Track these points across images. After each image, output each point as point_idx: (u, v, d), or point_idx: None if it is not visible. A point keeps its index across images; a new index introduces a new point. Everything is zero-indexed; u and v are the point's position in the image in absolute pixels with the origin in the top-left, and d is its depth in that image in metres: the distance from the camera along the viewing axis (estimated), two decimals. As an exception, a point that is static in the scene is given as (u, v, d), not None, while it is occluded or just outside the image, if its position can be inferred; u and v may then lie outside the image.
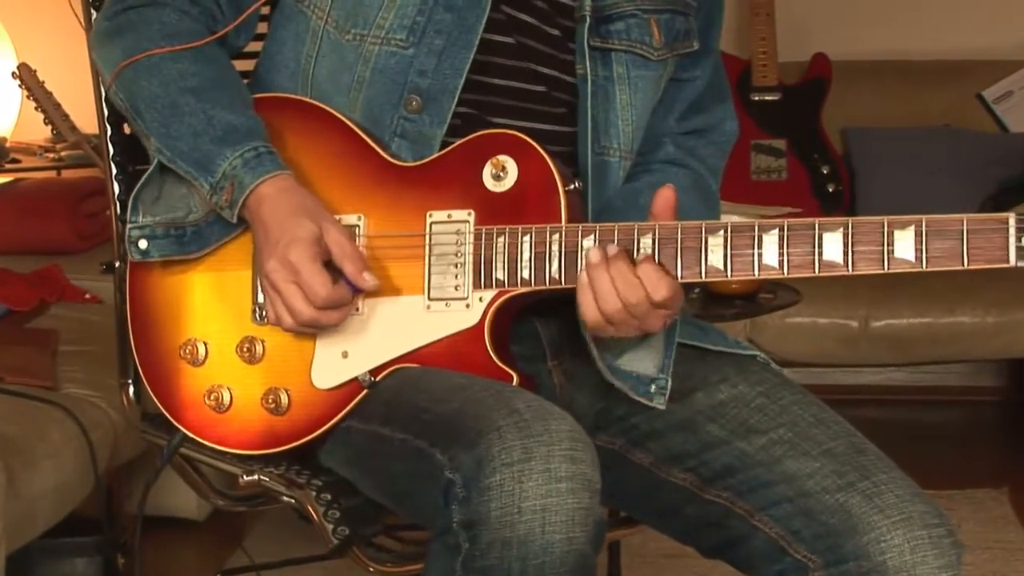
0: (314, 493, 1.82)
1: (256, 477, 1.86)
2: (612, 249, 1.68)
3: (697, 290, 3.17)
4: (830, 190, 4.50)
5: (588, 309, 1.69)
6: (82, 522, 2.99)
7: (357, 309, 1.78)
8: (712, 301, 3.20)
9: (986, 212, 4.10)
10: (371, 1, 1.83)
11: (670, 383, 1.82)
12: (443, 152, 1.80)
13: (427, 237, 1.77)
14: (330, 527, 1.80)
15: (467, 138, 1.79)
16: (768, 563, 1.73)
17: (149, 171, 1.86)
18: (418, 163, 1.81)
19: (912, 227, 1.59)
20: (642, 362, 1.82)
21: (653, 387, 1.82)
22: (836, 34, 4.76)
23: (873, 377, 4.78)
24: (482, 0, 1.82)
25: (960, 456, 4.27)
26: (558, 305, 1.78)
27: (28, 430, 2.74)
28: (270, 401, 1.82)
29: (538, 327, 1.89)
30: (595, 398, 1.88)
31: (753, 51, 4.59)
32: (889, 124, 4.61)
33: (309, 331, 1.77)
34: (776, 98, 4.58)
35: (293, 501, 1.84)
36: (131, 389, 2.16)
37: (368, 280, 1.74)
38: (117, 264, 2.14)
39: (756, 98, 4.58)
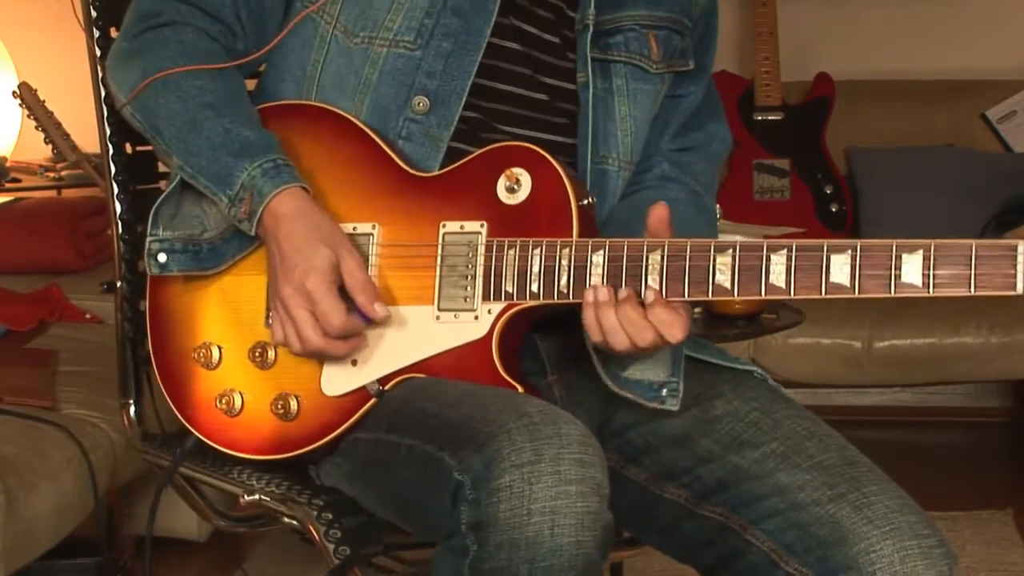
0: (315, 513, 1.81)
1: (257, 497, 1.86)
2: (623, 293, 1.68)
3: (699, 309, 3.16)
4: (833, 210, 4.50)
5: (593, 330, 1.70)
6: (81, 543, 2.98)
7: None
8: (715, 321, 3.19)
9: (990, 231, 4.10)
10: (380, 5, 1.85)
11: (682, 386, 1.82)
12: (459, 163, 1.81)
13: (439, 247, 1.78)
14: (331, 547, 1.79)
15: (483, 149, 1.80)
16: None
17: (170, 187, 1.88)
18: (434, 173, 1.82)
19: (920, 251, 1.57)
20: (652, 370, 1.82)
21: (664, 391, 1.82)
22: (839, 53, 4.76)
23: (877, 398, 4.78)
24: (489, 6, 1.84)
25: (965, 477, 4.26)
26: (558, 320, 1.79)
27: (28, 451, 2.73)
28: (279, 407, 1.83)
29: (538, 342, 1.89)
30: (594, 413, 1.88)
31: (756, 71, 4.60)
32: (893, 143, 4.61)
33: (316, 358, 1.78)
34: (779, 118, 4.58)
35: (294, 521, 1.84)
36: (131, 409, 2.15)
37: (379, 311, 1.75)
38: (118, 284, 2.14)
39: (759, 118, 4.58)
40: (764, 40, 4.60)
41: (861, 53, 4.79)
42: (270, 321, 1.83)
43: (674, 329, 1.67)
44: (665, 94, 1.98)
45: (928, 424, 4.75)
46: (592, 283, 1.70)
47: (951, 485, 4.10)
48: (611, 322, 1.68)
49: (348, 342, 1.76)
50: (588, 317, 1.70)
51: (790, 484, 1.72)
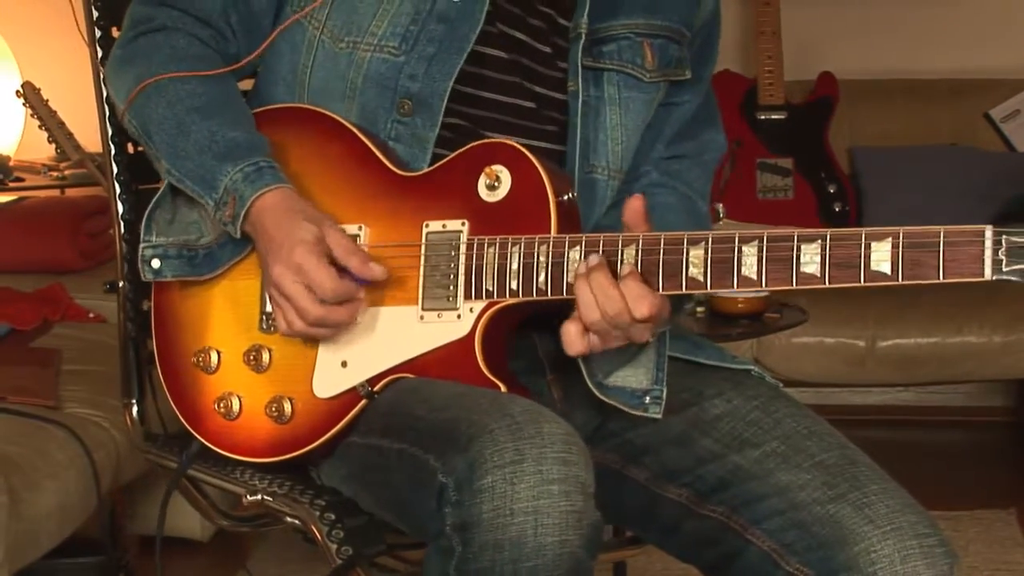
0: (317, 513, 1.82)
1: (260, 497, 1.86)
2: (593, 260, 1.68)
3: (702, 308, 3.16)
4: (837, 209, 4.50)
5: (571, 339, 1.70)
6: (84, 543, 2.98)
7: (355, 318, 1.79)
8: (718, 320, 3.19)
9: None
10: (365, 10, 1.86)
11: (665, 392, 1.82)
12: (441, 162, 1.81)
13: (422, 247, 1.78)
14: (334, 547, 1.79)
15: (464, 148, 1.80)
16: None
17: (160, 192, 1.89)
18: (417, 173, 1.82)
19: (889, 239, 1.57)
20: (634, 377, 1.82)
21: (647, 398, 1.82)
22: (842, 53, 4.76)
23: (880, 397, 4.78)
24: (476, 13, 1.85)
25: (967, 477, 4.25)
26: (556, 320, 1.78)
27: (31, 450, 2.73)
28: (273, 410, 1.83)
29: (536, 341, 1.89)
30: (592, 413, 1.88)
31: (759, 70, 4.59)
32: (896, 143, 4.61)
33: (321, 332, 1.77)
34: (782, 117, 4.58)
35: (297, 521, 1.84)
36: (134, 409, 2.15)
37: (375, 268, 1.75)
38: (121, 284, 2.14)
39: (762, 117, 4.58)
40: (767, 39, 4.59)
41: (864, 52, 4.79)
42: (269, 320, 1.83)
43: (641, 304, 1.66)
44: (659, 102, 1.97)
45: (931, 424, 4.75)
46: (567, 280, 1.70)
47: (954, 485, 4.09)
48: (585, 296, 1.67)
49: (346, 307, 1.75)
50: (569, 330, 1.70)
51: (790, 483, 1.71)
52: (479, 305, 1.75)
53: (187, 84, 1.85)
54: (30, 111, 3.81)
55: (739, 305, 3.17)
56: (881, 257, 1.57)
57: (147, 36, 1.90)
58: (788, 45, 4.60)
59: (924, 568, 1.62)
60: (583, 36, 1.88)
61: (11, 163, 4.44)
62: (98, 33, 2.13)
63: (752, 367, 1.90)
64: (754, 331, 3.37)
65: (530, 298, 1.73)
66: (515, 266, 1.73)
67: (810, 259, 1.60)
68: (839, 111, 4.60)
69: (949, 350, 4.02)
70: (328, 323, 1.75)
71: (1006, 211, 4.36)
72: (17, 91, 3.86)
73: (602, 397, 1.81)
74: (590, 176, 1.90)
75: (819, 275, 1.60)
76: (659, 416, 1.81)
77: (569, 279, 1.69)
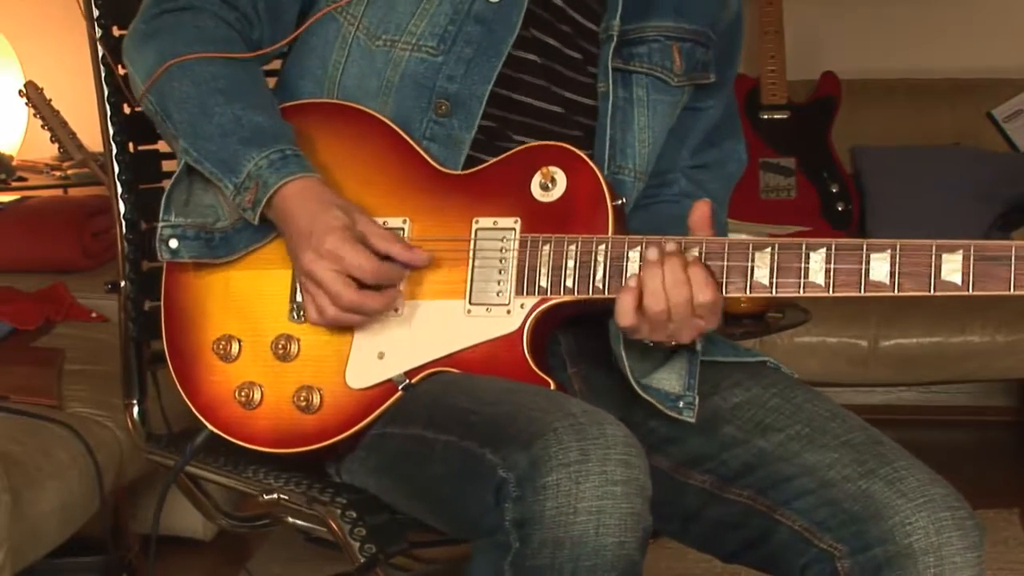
0: (338, 510, 1.81)
1: (276, 496, 1.85)
2: (671, 246, 1.70)
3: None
4: (839, 209, 4.50)
5: (626, 309, 1.70)
6: (87, 542, 2.98)
7: (396, 310, 1.79)
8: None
9: (996, 231, 4.10)
10: (404, 9, 1.87)
11: (697, 399, 1.83)
12: (491, 162, 1.83)
13: (472, 242, 1.79)
14: (356, 545, 1.79)
15: (516, 149, 1.83)
16: (793, 557, 1.73)
17: (177, 172, 1.88)
18: (466, 172, 1.84)
19: (960, 251, 1.62)
20: (668, 381, 1.84)
21: (681, 403, 1.83)
22: (845, 52, 4.76)
23: (882, 397, 4.77)
24: (513, 17, 1.86)
25: (970, 477, 4.21)
26: (576, 316, 1.80)
27: (34, 449, 2.74)
28: (301, 399, 1.82)
29: (558, 336, 1.91)
30: (614, 406, 1.87)
31: (762, 69, 4.59)
32: (899, 143, 4.60)
33: (354, 319, 1.77)
34: (785, 116, 4.58)
35: (307, 522, 1.83)
36: (135, 410, 2.15)
37: (421, 253, 1.77)
38: (122, 284, 2.14)
39: (765, 116, 4.57)
40: (770, 39, 4.59)
41: (867, 52, 4.79)
42: (297, 313, 1.83)
43: (706, 289, 1.68)
44: (684, 106, 1.99)
45: (933, 423, 4.74)
46: (630, 274, 1.72)
47: (956, 484, 4.03)
48: (656, 282, 1.68)
49: (384, 294, 1.76)
50: (625, 297, 1.70)
51: (818, 463, 1.73)
52: (530, 301, 1.76)
53: (212, 66, 1.84)
54: (33, 110, 3.82)
55: (742, 305, 3.17)
56: (952, 268, 1.62)
57: (172, 14, 1.89)
58: (791, 44, 4.60)
59: (958, 539, 1.65)
60: (614, 38, 1.89)
61: (14, 163, 4.45)
62: (99, 32, 2.13)
63: (767, 358, 1.92)
64: (757, 331, 3.37)
65: (585, 296, 1.74)
66: (571, 264, 1.74)
67: (879, 268, 1.64)
68: (842, 111, 4.59)
69: (952, 350, 4.02)
70: (364, 309, 1.75)
71: (1008, 211, 4.36)
72: (20, 90, 3.87)
73: (642, 394, 1.82)
74: (617, 177, 1.92)
75: (888, 283, 1.64)
76: (692, 420, 1.82)
77: (632, 270, 1.71)
